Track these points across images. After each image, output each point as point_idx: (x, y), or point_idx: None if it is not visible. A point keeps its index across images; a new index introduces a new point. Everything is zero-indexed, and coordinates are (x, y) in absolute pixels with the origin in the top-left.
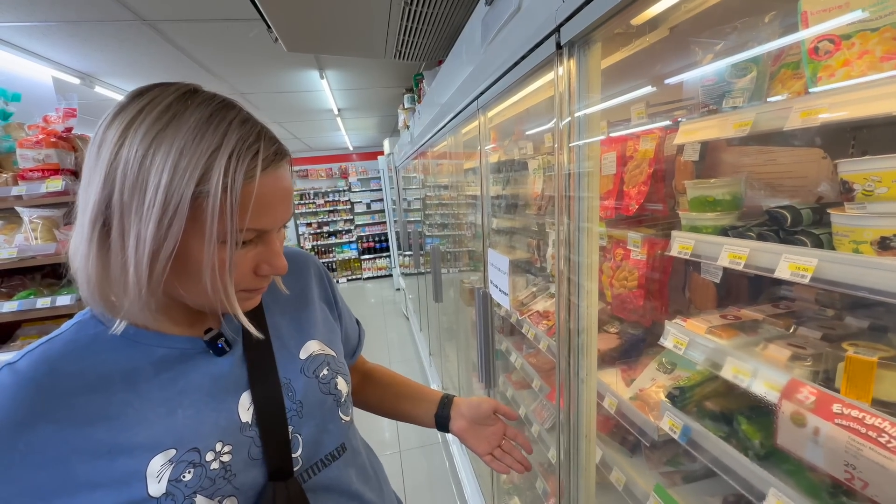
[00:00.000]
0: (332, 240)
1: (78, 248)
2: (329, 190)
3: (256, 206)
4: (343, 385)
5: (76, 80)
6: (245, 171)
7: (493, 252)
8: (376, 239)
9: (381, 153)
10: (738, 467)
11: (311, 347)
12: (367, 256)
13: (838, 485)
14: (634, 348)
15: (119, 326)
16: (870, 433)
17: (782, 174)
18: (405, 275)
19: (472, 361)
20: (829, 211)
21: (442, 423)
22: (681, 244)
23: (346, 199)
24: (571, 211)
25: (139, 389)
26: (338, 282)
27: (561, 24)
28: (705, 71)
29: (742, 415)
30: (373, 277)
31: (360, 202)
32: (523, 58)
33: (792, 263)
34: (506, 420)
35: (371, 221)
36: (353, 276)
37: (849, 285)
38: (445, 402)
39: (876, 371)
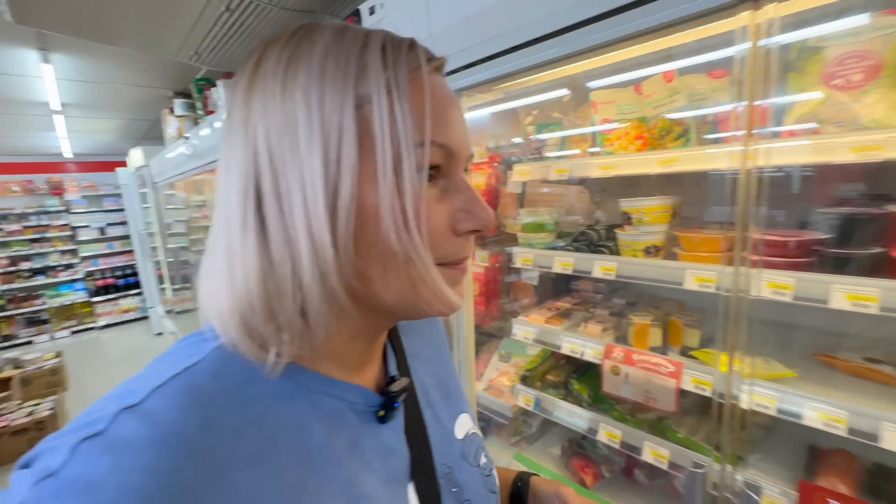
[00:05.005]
0: (40, 280)
1: (223, 253)
2: (30, 211)
3: (435, 111)
4: (498, 481)
5: None
6: (406, 60)
7: None
8: (119, 273)
9: (123, 164)
10: (575, 418)
11: (466, 424)
12: (103, 297)
13: (635, 407)
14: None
15: (276, 362)
16: (655, 368)
17: (567, 204)
18: (179, 313)
19: None
20: (616, 231)
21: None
22: (523, 258)
23: (64, 222)
24: None
25: (312, 462)
26: (53, 337)
27: None
28: (527, 128)
29: (572, 378)
30: (115, 324)
31: (89, 226)
32: None
33: (602, 266)
34: None
35: (108, 251)
36: (81, 327)
37: (633, 277)
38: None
39: (650, 329)
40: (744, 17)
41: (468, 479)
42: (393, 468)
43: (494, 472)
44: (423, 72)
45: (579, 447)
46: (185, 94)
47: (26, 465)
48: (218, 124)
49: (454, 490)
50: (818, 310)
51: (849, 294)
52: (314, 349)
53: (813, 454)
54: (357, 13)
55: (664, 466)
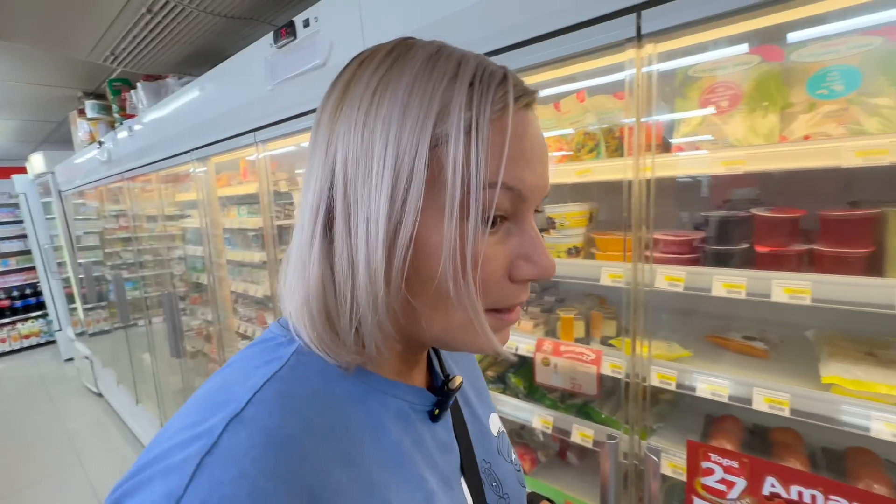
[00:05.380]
0: None
1: (296, 259)
2: None
3: (512, 153)
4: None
5: None
6: (493, 100)
7: None
8: (16, 293)
9: (21, 170)
10: (514, 409)
11: (496, 422)
12: None
13: (564, 393)
14: None
15: (348, 363)
16: (579, 357)
17: None
18: (92, 335)
19: None
20: (542, 234)
21: None
22: None
23: None
24: None
25: (390, 460)
26: None
27: None
28: None
29: (509, 373)
30: (13, 352)
31: None
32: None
33: None
34: None
35: (2, 269)
36: None
37: (558, 276)
38: None
39: (574, 322)
40: (630, 53)
41: (504, 474)
42: (450, 463)
43: (522, 468)
44: (509, 112)
45: (518, 437)
46: (97, 95)
47: (126, 495)
48: (138, 127)
49: (494, 484)
50: (707, 297)
51: (724, 283)
52: (370, 358)
53: (708, 421)
54: (291, 24)
55: (590, 445)
